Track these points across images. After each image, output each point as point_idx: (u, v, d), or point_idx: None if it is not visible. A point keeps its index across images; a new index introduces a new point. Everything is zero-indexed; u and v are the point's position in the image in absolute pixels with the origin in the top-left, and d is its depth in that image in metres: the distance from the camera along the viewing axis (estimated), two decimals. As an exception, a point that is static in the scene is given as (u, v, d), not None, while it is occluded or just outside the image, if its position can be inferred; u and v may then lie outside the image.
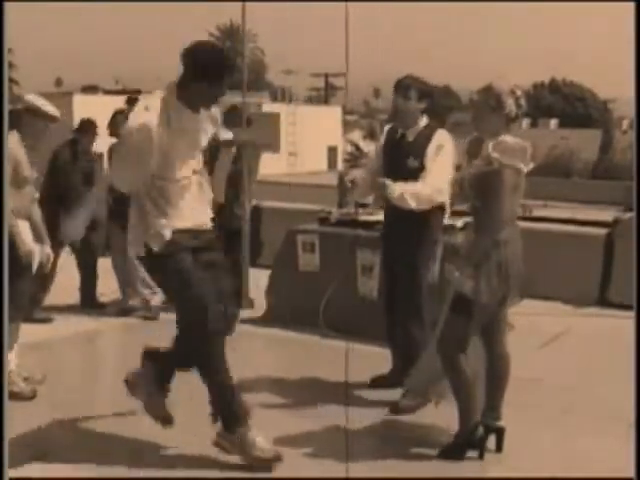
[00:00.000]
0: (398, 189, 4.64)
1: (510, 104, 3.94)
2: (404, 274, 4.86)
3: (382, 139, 5.10)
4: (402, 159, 4.80)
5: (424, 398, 4.50)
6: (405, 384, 4.58)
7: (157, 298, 6.83)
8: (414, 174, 4.73)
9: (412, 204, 4.66)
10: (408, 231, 4.79)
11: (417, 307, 4.85)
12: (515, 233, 4.00)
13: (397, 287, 4.93)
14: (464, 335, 3.96)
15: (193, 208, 3.96)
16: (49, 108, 4.94)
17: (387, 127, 5.11)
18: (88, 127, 7.19)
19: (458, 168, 4.53)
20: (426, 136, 4.79)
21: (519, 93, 3.99)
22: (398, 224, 4.87)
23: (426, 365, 4.28)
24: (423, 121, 4.85)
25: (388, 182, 4.66)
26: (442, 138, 4.80)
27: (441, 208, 4.87)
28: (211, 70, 3.78)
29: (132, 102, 8.67)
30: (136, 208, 3.95)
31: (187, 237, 3.90)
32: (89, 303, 7.25)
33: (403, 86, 4.78)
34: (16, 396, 4.58)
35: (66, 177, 6.92)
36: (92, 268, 7.30)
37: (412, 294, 4.84)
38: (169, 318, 4.22)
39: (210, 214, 4.13)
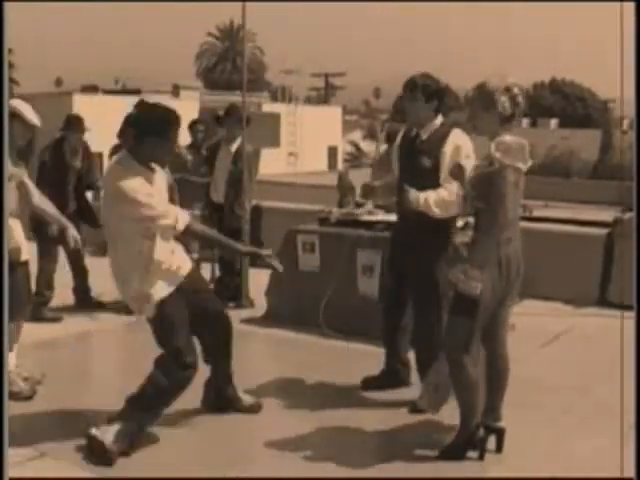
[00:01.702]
0: (422, 196, 4.52)
1: (503, 102, 3.86)
2: (420, 279, 4.72)
3: (398, 139, 4.99)
4: (416, 158, 4.70)
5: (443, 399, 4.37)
6: (422, 385, 4.52)
7: None
8: (427, 174, 4.63)
9: (436, 211, 4.54)
10: (424, 235, 4.65)
11: (438, 311, 4.66)
12: (517, 232, 3.98)
13: (413, 292, 4.81)
14: (468, 336, 3.93)
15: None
16: (31, 116, 4.91)
17: (404, 128, 5.00)
18: (75, 124, 7.09)
19: None
20: (440, 135, 4.67)
21: (516, 91, 3.89)
22: (412, 227, 4.72)
23: (441, 367, 4.24)
24: (438, 120, 4.73)
25: (412, 190, 4.52)
26: (458, 139, 4.66)
27: None
28: (160, 126, 4.02)
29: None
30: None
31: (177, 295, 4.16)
32: (82, 303, 7.18)
33: (409, 86, 4.68)
34: (16, 396, 4.59)
35: (54, 174, 6.84)
36: (82, 267, 7.22)
37: (432, 299, 4.69)
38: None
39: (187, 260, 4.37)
